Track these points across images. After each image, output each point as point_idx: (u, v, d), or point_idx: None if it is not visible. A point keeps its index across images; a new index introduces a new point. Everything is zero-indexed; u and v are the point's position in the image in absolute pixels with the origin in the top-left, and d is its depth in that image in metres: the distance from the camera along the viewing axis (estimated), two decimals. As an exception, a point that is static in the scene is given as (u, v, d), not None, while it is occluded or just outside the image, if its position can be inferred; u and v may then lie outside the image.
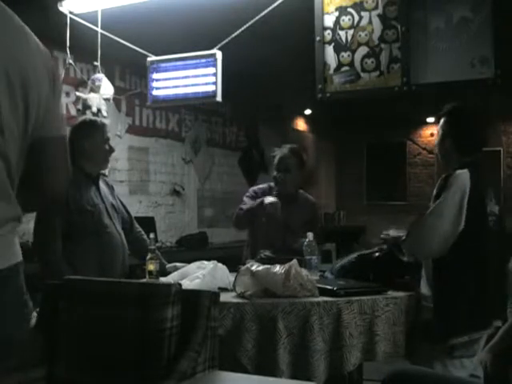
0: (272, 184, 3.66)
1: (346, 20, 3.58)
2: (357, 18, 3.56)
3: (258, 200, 3.47)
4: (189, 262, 2.81)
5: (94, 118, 3.40)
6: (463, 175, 2.43)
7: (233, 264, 2.74)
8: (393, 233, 2.80)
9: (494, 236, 2.50)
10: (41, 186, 1.50)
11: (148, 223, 5.25)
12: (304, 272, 2.46)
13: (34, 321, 1.69)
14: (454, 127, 2.59)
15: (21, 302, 1.42)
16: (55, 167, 1.53)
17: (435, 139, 2.74)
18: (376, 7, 3.51)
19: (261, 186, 3.74)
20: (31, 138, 1.43)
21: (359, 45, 3.56)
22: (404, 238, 2.56)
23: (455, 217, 2.39)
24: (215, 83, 3.79)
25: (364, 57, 3.54)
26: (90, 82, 4.43)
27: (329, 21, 3.62)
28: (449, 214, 2.39)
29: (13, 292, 1.38)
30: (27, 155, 1.44)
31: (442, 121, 2.67)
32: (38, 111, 1.42)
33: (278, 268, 2.43)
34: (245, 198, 3.63)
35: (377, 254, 2.79)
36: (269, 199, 3.42)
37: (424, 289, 2.52)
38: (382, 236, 2.86)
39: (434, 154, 9.54)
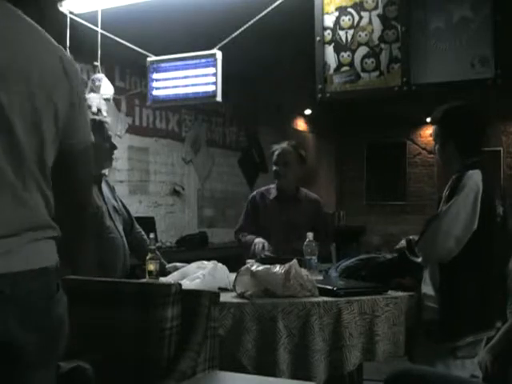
0: (271, 186, 3.65)
1: (345, 20, 3.58)
2: (357, 17, 3.56)
3: (250, 240, 3.42)
4: (189, 262, 2.80)
5: (93, 116, 3.39)
6: (475, 175, 2.40)
7: (233, 264, 2.73)
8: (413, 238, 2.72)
9: (499, 237, 2.50)
10: (65, 200, 1.43)
11: (148, 223, 5.25)
12: (304, 272, 2.46)
13: None
14: (454, 130, 2.55)
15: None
16: (78, 180, 1.46)
17: (434, 145, 2.69)
18: (376, 7, 3.52)
19: (262, 189, 3.73)
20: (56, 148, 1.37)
21: (359, 45, 3.56)
22: (418, 240, 2.51)
23: (469, 218, 2.37)
24: (215, 83, 3.79)
25: (364, 57, 3.54)
26: (90, 82, 4.42)
27: (329, 21, 3.63)
28: (463, 216, 2.36)
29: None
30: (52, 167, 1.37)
31: (437, 125, 2.62)
32: (58, 117, 1.35)
33: (277, 268, 2.43)
34: (242, 216, 3.65)
35: (385, 257, 2.79)
36: (258, 242, 3.35)
37: (426, 288, 2.51)
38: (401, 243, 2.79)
39: (435, 155, 9.53)
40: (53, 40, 1.40)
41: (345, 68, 3.59)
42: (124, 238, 3.02)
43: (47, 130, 1.33)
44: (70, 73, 1.40)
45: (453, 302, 2.41)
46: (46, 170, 1.35)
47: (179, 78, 3.95)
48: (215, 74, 3.78)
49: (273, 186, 3.64)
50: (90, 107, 4.40)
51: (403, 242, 2.68)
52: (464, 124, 2.57)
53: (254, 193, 3.71)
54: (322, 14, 3.63)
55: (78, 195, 1.51)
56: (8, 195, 1.25)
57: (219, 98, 3.81)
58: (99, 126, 2.95)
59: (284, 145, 3.57)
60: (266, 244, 3.31)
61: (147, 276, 2.65)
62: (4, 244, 1.22)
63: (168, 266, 2.94)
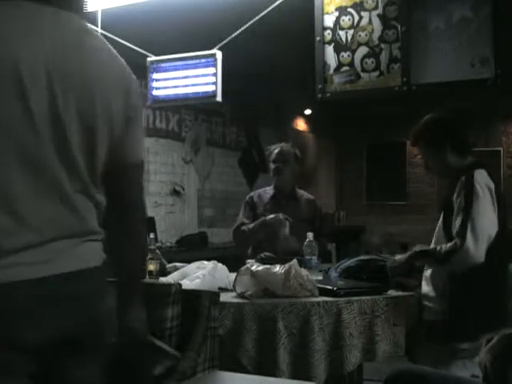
0: (268, 188, 3.67)
1: (345, 20, 3.58)
2: (357, 17, 3.56)
3: (259, 220, 3.44)
4: (189, 262, 2.81)
5: None
6: (482, 173, 2.39)
7: (233, 264, 2.73)
8: (418, 248, 2.66)
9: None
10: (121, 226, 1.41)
11: (148, 223, 5.24)
12: (304, 272, 2.46)
13: None
14: (448, 132, 2.55)
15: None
16: (131, 203, 1.39)
17: (425, 160, 2.68)
18: (376, 7, 3.52)
19: (259, 190, 3.76)
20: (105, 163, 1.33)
21: (359, 45, 3.56)
22: (451, 247, 2.36)
23: (494, 216, 2.35)
24: (215, 83, 3.78)
25: (364, 57, 3.54)
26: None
27: (329, 21, 3.63)
28: (490, 215, 2.34)
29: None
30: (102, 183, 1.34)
31: (429, 135, 2.59)
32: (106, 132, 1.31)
33: (277, 268, 2.43)
34: (240, 214, 3.63)
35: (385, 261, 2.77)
36: (271, 216, 3.37)
37: (426, 289, 2.50)
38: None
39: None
40: (115, 52, 1.45)
41: (345, 68, 3.59)
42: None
43: (100, 136, 1.30)
44: (129, 85, 1.44)
45: (460, 304, 2.39)
46: (95, 176, 1.31)
47: (179, 78, 3.95)
48: (215, 74, 3.78)
49: (269, 187, 3.68)
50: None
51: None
52: (456, 124, 2.58)
53: (252, 193, 3.74)
54: (322, 14, 3.63)
55: (131, 219, 1.42)
56: (56, 198, 1.23)
57: (219, 98, 3.81)
58: None
59: (282, 144, 3.66)
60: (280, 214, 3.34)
61: (147, 276, 2.65)
62: (52, 247, 1.22)
63: (168, 266, 2.94)
